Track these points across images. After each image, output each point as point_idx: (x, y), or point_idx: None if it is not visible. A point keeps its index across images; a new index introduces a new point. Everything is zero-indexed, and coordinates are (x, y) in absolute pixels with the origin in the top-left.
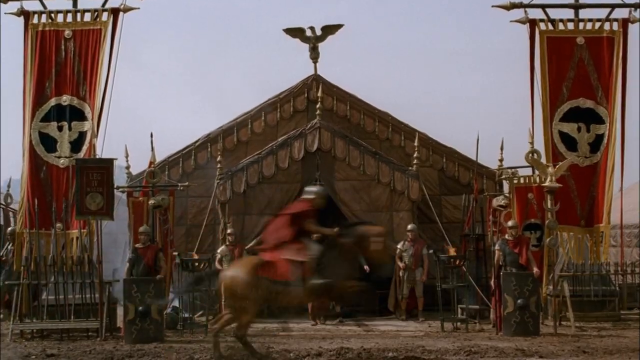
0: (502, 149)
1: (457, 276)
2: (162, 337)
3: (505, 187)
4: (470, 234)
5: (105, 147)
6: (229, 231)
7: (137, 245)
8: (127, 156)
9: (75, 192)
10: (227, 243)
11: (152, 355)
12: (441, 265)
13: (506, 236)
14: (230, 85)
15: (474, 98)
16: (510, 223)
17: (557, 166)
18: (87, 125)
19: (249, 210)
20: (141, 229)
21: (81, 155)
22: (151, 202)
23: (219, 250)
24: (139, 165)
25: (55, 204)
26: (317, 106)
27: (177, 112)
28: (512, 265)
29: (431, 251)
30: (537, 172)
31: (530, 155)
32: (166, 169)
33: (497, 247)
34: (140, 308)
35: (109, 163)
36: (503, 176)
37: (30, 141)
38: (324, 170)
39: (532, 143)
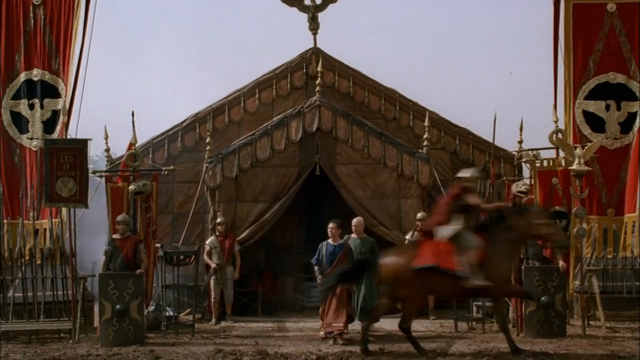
0: (521, 129)
1: None
2: (142, 338)
3: (526, 171)
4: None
5: (81, 128)
6: (219, 220)
7: (114, 236)
8: (106, 138)
9: (44, 176)
10: (217, 233)
11: None
12: None
13: None
14: (221, 60)
15: (491, 75)
16: None
17: (587, 147)
18: (61, 103)
19: (241, 197)
20: (119, 217)
21: (55, 136)
22: (131, 187)
23: (207, 242)
24: (120, 148)
25: (23, 191)
26: (317, 82)
27: (162, 90)
28: (534, 258)
29: None
30: (562, 155)
31: (555, 135)
32: (150, 152)
33: None
34: (118, 306)
35: (82, 144)
36: (523, 159)
37: (2, 122)
38: (325, 153)
39: (556, 122)
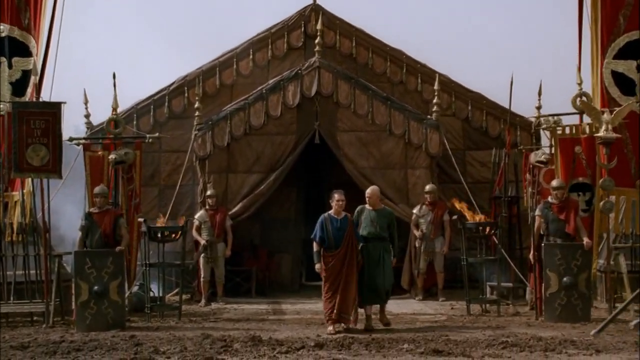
0: (540, 94)
1: (486, 247)
2: (123, 322)
3: (545, 139)
4: (501, 197)
5: (58, 91)
6: (209, 193)
7: (91, 210)
8: (86, 102)
9: (13, 143)
10: (207, 207)
11: (108, 347)
12: (467, 233)
13: (549, 199)
14: (211, 17)
15: (507, 34)
16: (554, 183)
17: (615, 112)
18: (32, 63)
19: (233, 167)
20: (96, 189)
21: (26, 99)
22: (111, 157)
23: (196, 216)
24: (102, 113)
25: None
26: (316, 42)
27: (148, 50)
28: (556, 234)
29: (454, 217)
30: (587, 120)
31: (579, 99)
32: (134, 118)
33: (537, 212)
34: (96, 287)
35: (55, 108)
36: (543, 126)
37: None
38: (325, 119)
39: (581, 84)
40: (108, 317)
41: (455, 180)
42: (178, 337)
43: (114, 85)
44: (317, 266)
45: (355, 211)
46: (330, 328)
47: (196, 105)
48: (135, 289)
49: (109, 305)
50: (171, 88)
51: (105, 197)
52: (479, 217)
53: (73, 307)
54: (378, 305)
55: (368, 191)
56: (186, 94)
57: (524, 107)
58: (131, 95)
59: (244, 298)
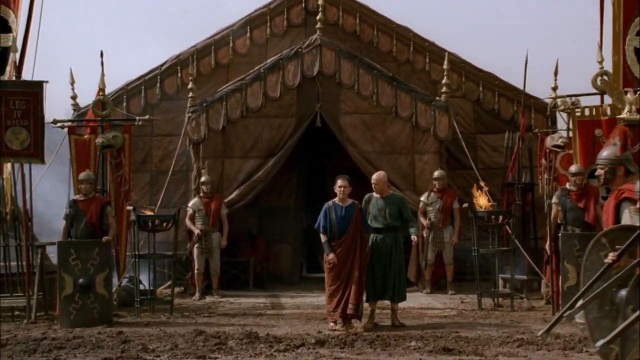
0: (556, 73)
1: (499, 238)
2: (110, 318)
3: (561, 122)
4: (515, 183)
5: (42, 70)
6: (203, 179)
7: (76, 197)
8: (72, 83)
9: None
10: (201, 194)
11: (92, 345)
12: (478, 222)
13: (567, 186)
14: None
15: (520, 10)
16: (573, 169)
17: None
18: (11, 39)
19: (229, 152)
20: (81, 175)
21: (5, 77)
22: (98, 140)
23: (190, 204)
24: (89, 95)
25: None
26: (318, 18)
27: (139, 28)
28: (574, 224)
29: (465, 205)
30: (608, 101)
31: (600, 78)
32: (124, 100)
33: (554, 199)
34: (81, 280)
35: (37, 87)
36: (559, 107)
37: None
38: (326, 101)
39: (601, 62)
40: (94, 312)
41: (466, 165)
42: (169, 334)
43: (102, 64)
44: (331, 256)
45: (363, 200)
46: (333, 324)
47: (190, 86)
48: (124, 281)
49: (95, 300)
50: (163, 68)
51: (92, 183)
52: (489, 204)
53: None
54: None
55: (374, 177)
56: (179, 74)
57: (539, 88)
58: (121, 75)
59: (240, 291)
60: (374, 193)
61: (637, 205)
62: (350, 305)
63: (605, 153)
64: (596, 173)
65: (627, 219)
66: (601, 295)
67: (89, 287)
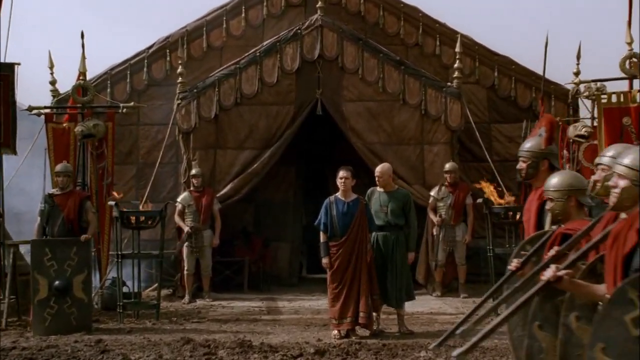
0: (578, 57)
1: (516, 236)
2: (89, 324)
3: (583, 110)
4: None
5: (15, 52)
6: (193, 172)
7: (52, 192)
8: (51, 67)
9: None
10: (192, 188)
11: (67, 355)
12: (493, 219)
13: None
14: None
15: None
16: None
17: None
18: None
19: (222, 142)
20: (58, 167)
21: None
22: (78, 129)
23: (179, 199)
24: (71, 80)
25: None
26: None
27: (125, 7)
28: None
29: (479, 200)
30: (637, 87)
31: (629, 61)
32: (108, 86)
33: None
34: (57, 283)
35: (7, 70)
36: (583, 93)
37: None
38: (328, 87)
39: (630, 44)
40: (71, 318)
41: (479, 157)
42: (153, 342)
43: (83, 46)
44: (325, 261)
45: (366, 195)
46: (335, 332)
47: (179, 71)
48: (107, 284)
49: (72, 304)
50: (151, 51)
51: (69, 176)
52: (508, 200)
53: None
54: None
55: (377, 169)
56: (168, 58)
57: (559, 73)
58: (104, 59)
59: (234, 294)
60: (378, 187)
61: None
62: (361, 314)
63: (528, 145)
64: (518, 166)
65: (550, 221)
66: (523, 312)
67: (66, 291)
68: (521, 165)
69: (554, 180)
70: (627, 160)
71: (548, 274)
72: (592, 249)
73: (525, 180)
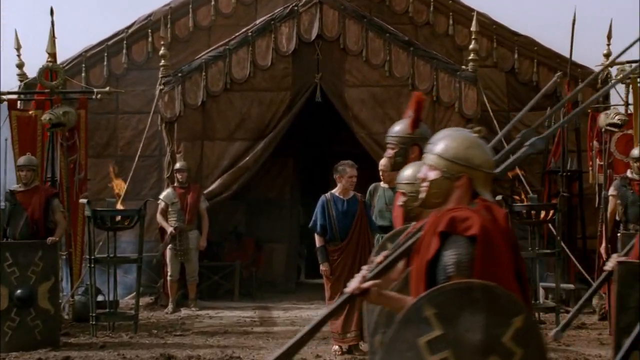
0: (609, 36)
1: (540, 238)
2: (56, 339)
3: (615, 96)
4: (559, 171)
5: None
6: (178, 166)
7: (14, 188)
8: (18, 48)
9: None
10: (176, 184)
11: None
12: (514, 219)
13: (627, 174)
14: None
15: None
16: (636, 152)
17: None
18: None
19: (210, 133)
20: (21, 160)
21: None
22: (45, 117)
23: (162, 196)
24: (39, 62)
25: None
26: None
27: None
28: (638, 220)
29: (498, 197)
30: None
31: None
32: (82, 69)
33: (611, 191)
34: (19, 292)
35: None
36: (617, 77)
37: None
38: (328, 71)
39: None
40: (35, 332)
41: (497, 149)
42: (128, 359)
43: (52, 25)
44: (323, 268)
45: (367, 191)
46: (336, 347)
47: (162, 53)
48: (80, 292)
49: (37, 316)
50: (130, 31)
51: (34, 170)
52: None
53: None
54: None
55: (382, 163)
56: (150, 39)
57: (587, 55)
58: (78, 39)
59: (223, 302)
60: (381, 182)
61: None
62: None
63: (396, 128)
64: (385, 154)
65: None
66: None
67: (30, 301)
68: (389, 152)
69: (407, 172)
70: (438, 148)
71: (352, 285)
72: (405, 255)
73: (393, 170)
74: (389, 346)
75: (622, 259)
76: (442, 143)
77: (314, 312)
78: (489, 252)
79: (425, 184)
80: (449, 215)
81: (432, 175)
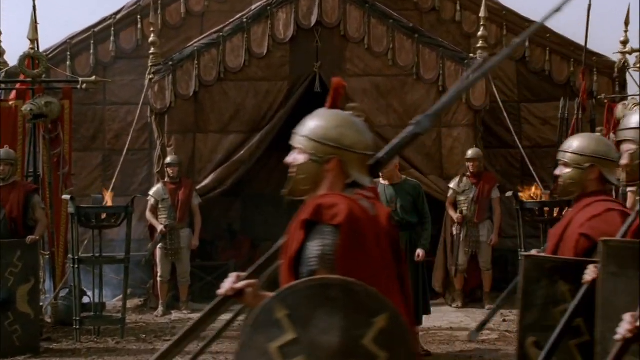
0: (627, 23)
1: None
2: (36, 345)
3: (633, 85)
4: None
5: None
6: (168, 160)
7: None
8: None
9: None
10: (167, 179)
11: None
12: (526, 217)
13: None
14: None
15: None
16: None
17: None
18: None
19: (202, 124)
20: None
21: None
22: (26, 107)
23: (151, 192)
24: (21, 49)
25: None
26: None
27: None
28: None
29: (509, 194)
30: None
31: None
32: (67, 58)
33: (631, 187)
34: None
35: None
36: (636, 64)
37: None
38: (328, 59)
39: None
40: (14, 338)
41: (507, 143)
42: None
43: (34, 9)
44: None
45: None
46: None
47: (152, 40)
48: (64, 294)
49: (15, 320)
50: (118, 17)
51: (12, 164)
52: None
53: None
54: None
55: None
56: (139, 25)
57: (603, 43)
58: (63, 25)
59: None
60: (381, 179)
61: None
62: None
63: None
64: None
65: None
66: None
67: (7, 304)
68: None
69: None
70: (306, 129)
71: (225, 285)
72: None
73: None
74: (239, 354)
75: (534, 253)
76: (310, 123)
77: None
78: (354, 243)
79: (293, 169)
80: (315, 202)
81: (301, 159)
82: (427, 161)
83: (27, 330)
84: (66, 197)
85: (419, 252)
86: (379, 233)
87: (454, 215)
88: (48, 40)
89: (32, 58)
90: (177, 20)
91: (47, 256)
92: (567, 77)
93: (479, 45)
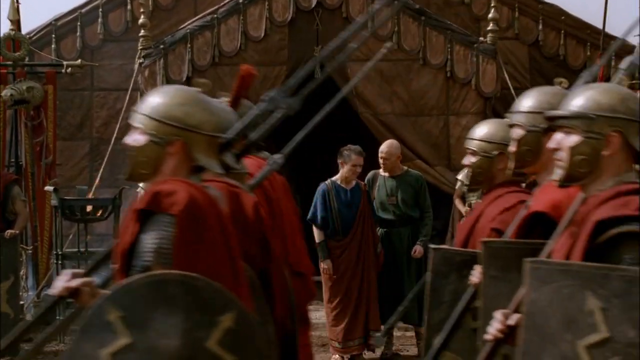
0: None
1: None
2: (16, 347)
3: None
4: None
5: None
6: None
7: None
8: None
9: None
10: None
11: None
12: None
13: None
14: None
15: None
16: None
17: None
18: None
19: None
20: None
21: None
22: (6, 92)
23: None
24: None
25: None
26: None
27: None
28: None
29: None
30: None
31: None
32: (52, 41)
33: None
34: None
35: None
36: None
37: None
38: (329, 43)
39: None
40: None
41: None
42: None
43: None
44: (325, 265)
45: (366, 179)
46: (336, 357)
47: (141, 21)
48: (46, 292)
49: None
50: None
51: None
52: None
53: None
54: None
55: (383, 149)
56: (129, 6)
57: (622, 25)
58: (49, 6)
59: None
60: (381, 170)
61: None
62: (372, 333)
63: None
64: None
65: None
66: None
67: None
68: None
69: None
70: (146, 107)
71: (58, 285)
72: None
73: None
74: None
75: (444, 246)
76: (151, 100)
77: (312, 315)
78: (194, 234)
79: (132, 151)
80: (153, 190)
81: (141, 140)
82: (434, 151)
83: (7, 330)
84: (49, 188)
85: (417, 248)
86: (225, 224)
87: (462, 209)
88: (32, 22)
89: (12, 40)
90: (169, 1)
91: (30, 251)
92: (584, 62)
93: (489, 28)
